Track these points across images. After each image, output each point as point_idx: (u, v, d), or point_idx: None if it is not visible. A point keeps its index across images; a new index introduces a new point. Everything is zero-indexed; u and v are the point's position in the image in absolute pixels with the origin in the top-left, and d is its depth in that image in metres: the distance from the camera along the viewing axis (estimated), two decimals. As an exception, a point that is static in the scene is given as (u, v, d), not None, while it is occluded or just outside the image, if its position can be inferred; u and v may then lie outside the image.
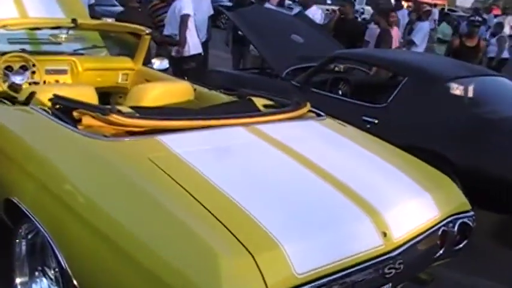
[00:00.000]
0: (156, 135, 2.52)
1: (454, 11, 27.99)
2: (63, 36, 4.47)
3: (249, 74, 6.59)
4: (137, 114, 2.59)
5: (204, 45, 7.39)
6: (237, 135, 2.74)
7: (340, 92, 5.37)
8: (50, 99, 2.87)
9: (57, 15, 4.66)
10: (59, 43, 4.56)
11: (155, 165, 2.28)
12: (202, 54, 6.91)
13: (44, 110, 2.80)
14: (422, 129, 4.52)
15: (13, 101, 3.20)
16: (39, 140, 2.67)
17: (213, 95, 4.06)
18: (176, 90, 3.99)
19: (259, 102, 3.39)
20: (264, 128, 2.87)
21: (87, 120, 2.57)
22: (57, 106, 2.80)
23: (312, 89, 5.44)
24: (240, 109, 3.22)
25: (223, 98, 3.91)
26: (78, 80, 4.53)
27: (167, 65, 4.91)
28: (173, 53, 6.40)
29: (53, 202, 2.32)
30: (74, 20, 4.09)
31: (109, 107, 2.57)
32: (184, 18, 6.19)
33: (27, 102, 3.11)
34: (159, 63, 4.86)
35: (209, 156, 2.49)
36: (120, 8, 10.27)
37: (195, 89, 3.93)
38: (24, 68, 4.14)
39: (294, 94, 5.49)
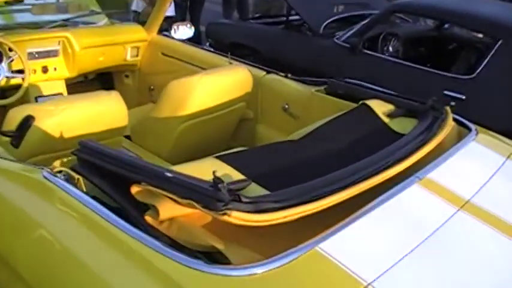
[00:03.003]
0: (311, 244, 1.36)
1: None
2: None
3: (270, 28, 5.31)
4: (265, 198, 1.42)
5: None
6: (420, 206, 1.62)
7: (406, 57, 4.20)
8: (75, 152, 1.68)
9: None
10: (43, 13, 3.22)
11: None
12: None
13: (71, 183, 1.63)
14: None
15: None
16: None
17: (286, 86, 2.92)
18: (233, 83, 2.81)
19: (379, 109, 2.25)
20: (440, 177, 1.76)
21: (166, 210, 1.41)
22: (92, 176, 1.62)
23: (366, 51, 4.28)
24: (370, 133, 2.09)
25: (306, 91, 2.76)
26: (74, 64, 3.25)
27: (192, 33, 3.63)
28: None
29: None
30: None
31: (223, 192, 1.36)
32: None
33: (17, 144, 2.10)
34: (182, 30, 3.56)
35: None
36: None
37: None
38: None
39: (341, 58, 4.37)
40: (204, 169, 1.60)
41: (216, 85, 2.73)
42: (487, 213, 1.67)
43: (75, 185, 1.61)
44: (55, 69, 3.21)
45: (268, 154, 1.83)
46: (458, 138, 2.16)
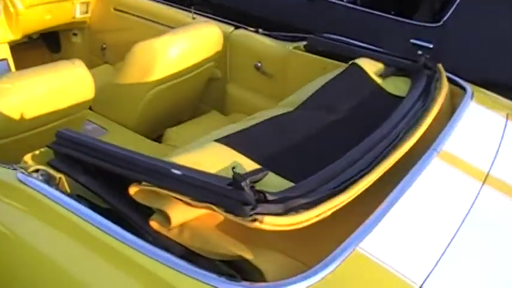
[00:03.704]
0: (350, 245, 1.19)
1: None
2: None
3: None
4: (291, 193, 1.23)
5: None
6: (446, 185, 1.48)
7: (371, 5, 4.01)
8: (51, 145, 1.43)
9: None
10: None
11: None
12: None
13: (52, 184, 1.39)
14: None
15: None
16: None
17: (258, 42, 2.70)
18: (202, 43, 2.57)
19: (370, 68, 2.09)
20: (455, 148, 1.64)
21: (178, 214, 1.20)
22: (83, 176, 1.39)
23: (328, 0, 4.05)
24: (367, 97, 1.94)
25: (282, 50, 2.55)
26: (18, 25, 2.90)
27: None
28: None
29: None
30: None
31: (248, 193, 1.15)
32: None
33: None
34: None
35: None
36: None
37: None
38: None
39: (301, 10, 4.13)
40: (210, 158, 1.40)
41: (186, 46, 2.49)
42: (506, 185, 1.56)
43: (57, 187, 1.37)
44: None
45: (271, 131, 1.64)
46: (452, 98, 2.04)
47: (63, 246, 1.29)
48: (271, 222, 1.11)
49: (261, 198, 1.15)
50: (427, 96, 1.86)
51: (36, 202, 1.34)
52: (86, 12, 3.26)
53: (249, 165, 1.40)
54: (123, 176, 1.29)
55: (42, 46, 3.54)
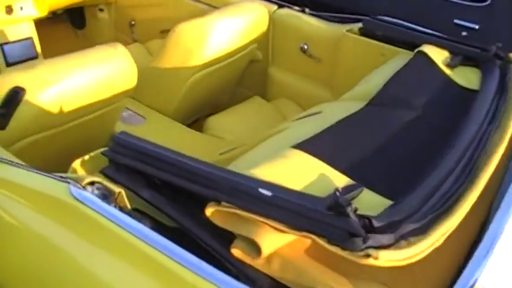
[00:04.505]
0: (468, 279, 1.01)
1: None
2: None
3: None
4: (395, 216, 1.04)
5: None
6: None
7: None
8: (107, 153, 1.25)
9: None
10: None
11: None
12: None
13: (110, 200, 1.19)
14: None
15: None
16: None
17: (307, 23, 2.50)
18: (248, 24, 2.37)
19: (437, 57, 1.90)
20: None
21: (269, 242, 1.01)
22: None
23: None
24: (439, 91, 1.74)
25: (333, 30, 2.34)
26: (45, 1, 2.68)
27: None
28: None
29: None
30: None
31: (354, 220, 0.96)
32: None
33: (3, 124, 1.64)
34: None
35: None
36: None
37: None
38: None
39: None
40: (294, 169, 1.22)
41: (232, 27, 2.28)
42: None
43: (116, 203, 1.19)
44: (21, 8, 2.64)
45: (349, 134, 1.45)
46: None
47: (127, 276, 1.11)
48: (386, 258, 0.93)
49: (367, 224, 0.97)
50: (503, 91, 1.68)
51: (93, 222, 1.15)
52: (115, -15, 3.05)
53: (337, 178, 1.21)
54: (199, 195, 1.11)
55: (66, 21, 3.34)
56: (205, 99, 2.52)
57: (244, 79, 2.73)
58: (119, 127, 2.17)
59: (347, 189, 1.12)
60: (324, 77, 2.49)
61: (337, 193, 0.97)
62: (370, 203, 1.13)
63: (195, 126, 2.60)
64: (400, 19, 2.29)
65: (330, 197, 0.99)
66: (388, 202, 1.13)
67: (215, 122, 2.35)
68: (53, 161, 2.01)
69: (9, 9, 2.59)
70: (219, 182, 1.08)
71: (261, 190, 1.03)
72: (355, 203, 1.02)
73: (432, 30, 2.16)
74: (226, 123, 2.34)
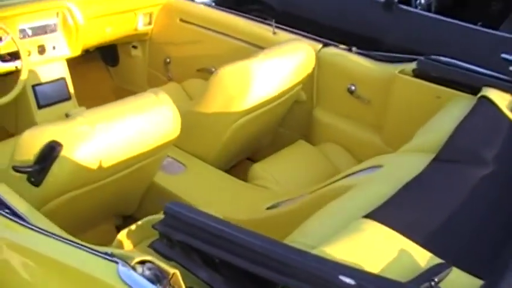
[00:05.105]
0: None
1: None
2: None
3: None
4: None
5: None
6: None
7: (452, 13, 3.61)
8: (158, 227, 1.10)
9: None
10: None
11: None
12: None
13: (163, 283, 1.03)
14: None
15: None
16: None
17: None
18: (294, 65, 2.23)
19: (501, 102, 1.76)
20: None
21: None
22: None
23: (402, 6, 3.67)
24: (507, 141, 1.60)
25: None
26: (78, 39, 2.57)
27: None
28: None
29: None
30: None
31: None
32: None
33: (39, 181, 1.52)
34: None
35: None
36: None
37: None
38: None
39: (371, 14, 3.74)
40: (370, 244, 1.07)
41: (277, 69, 2.14)
42: None
43: (170, 285, 1.02)
44: (54, 47, 2.53)
45: (421, 198, 1.30)
46: None
47: None
48: None
49: None
50: None
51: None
52: (149, 23, 2.93)
53: (417, 252, 1.11)
54: (268, 280, 0.94)
55: (99, 59, 3.23)
56: (247, 144, 2.37)
57: (287, 120, 2.57)
58: (159, 176, 2.03)
59: (434, 270, 1.01)
60: (373, 120, 2.32)
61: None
62: (459, 284, 1.03)
63: (235, 169, 2.45)
64: (448, 57, 2.14)
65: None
66: (478, 282, 1.03)
67: (259, 170, 2.19)
68: (86, 217, 1.87)
69: (41, 49, 2.49)
70: (293, 267, 0.92)
71: (342, 278, 0.88)
72: (442, 285, 0.89)
73: (486, 69, 2.01)
74: (271, 172, 2.18)
